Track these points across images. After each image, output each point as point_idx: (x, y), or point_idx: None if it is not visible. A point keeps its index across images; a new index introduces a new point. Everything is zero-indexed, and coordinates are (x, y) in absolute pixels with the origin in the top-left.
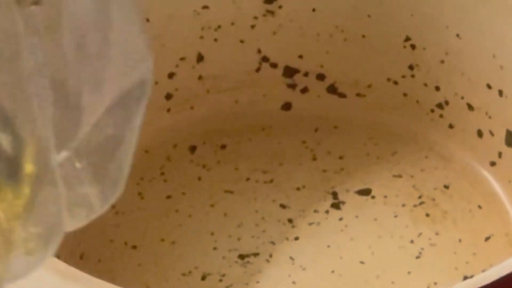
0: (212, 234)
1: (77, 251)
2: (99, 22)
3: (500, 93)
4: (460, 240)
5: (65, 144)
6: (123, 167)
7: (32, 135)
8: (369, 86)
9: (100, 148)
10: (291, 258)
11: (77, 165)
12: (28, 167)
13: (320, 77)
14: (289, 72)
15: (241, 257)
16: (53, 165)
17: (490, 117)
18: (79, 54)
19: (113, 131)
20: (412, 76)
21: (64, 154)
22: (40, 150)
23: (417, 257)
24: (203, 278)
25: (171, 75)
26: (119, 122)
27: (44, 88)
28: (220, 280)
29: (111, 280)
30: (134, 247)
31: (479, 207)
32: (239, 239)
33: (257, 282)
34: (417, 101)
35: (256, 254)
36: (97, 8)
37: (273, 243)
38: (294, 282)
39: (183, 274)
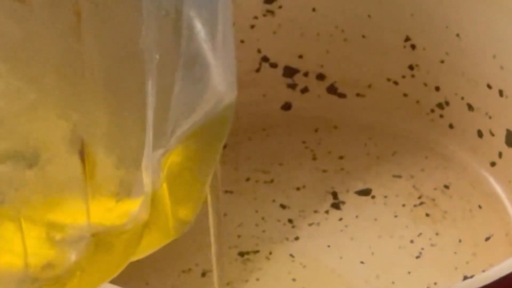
0: None
1: None
2: (209, 34)
3: (500, 93)
4: (460, 240)
5: (159, 143)
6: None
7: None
8: (369, 86)
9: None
10: (291, 255)
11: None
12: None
13: (320, 77)
14: (289, 72)
15: (241, 254)
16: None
17: (490, 117)
18: (187, 51)
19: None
20: (412, 76)
21: (159, 152)
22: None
23: (417, 257)
24: (203, 275)
25: None
26: (203, 141)
27: (152, 65)
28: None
29: None
30: None
31: (479, 207)
32: (239, 236)
33: (257, 279)
34: (417, 101)
35: (256, 252)
36: (210, 19)
37: (273, 242)
38: (294, 279)
39: (183, 271)
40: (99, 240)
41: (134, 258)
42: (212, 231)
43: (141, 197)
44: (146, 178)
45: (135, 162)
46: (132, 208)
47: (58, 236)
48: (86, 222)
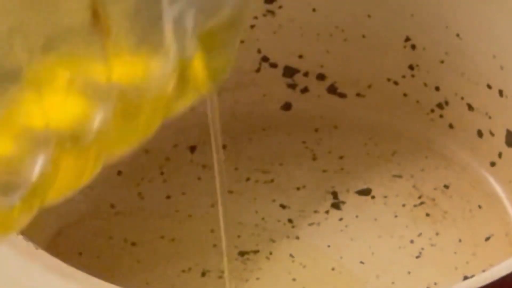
0: (212, 231)
1: (76, 247)
2: None
3: (500, 93)
4: (460, 240)
5: None
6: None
7: None
8: (369, 86)
9: None
10: (291, 255)
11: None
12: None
13: (320, 77)
14: (289, 72)
15: (241, 254)
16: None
17: (490, 117)
18: None
19: None
20: (412, 76)
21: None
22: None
23: (417, 257)
24: (203, 274)
25: None
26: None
27: None
28: (220, 277)
29: (110, 276)
30: (134, 244)
31: (479, 207)
32: (239, 236)
33: (257, 278)
34: (417, 101)
35: (256, 252)
36: None
37: (273, 242)
38: (294, 279)
39: (183, 271)
40: (125, 105)
41: (166, 116)
42: (222, 230)
43: (167, 60)
44: (173, 41)
45: (152, 20)
46: (157, 70)
47: (80, 85)
48: (108, 75)
